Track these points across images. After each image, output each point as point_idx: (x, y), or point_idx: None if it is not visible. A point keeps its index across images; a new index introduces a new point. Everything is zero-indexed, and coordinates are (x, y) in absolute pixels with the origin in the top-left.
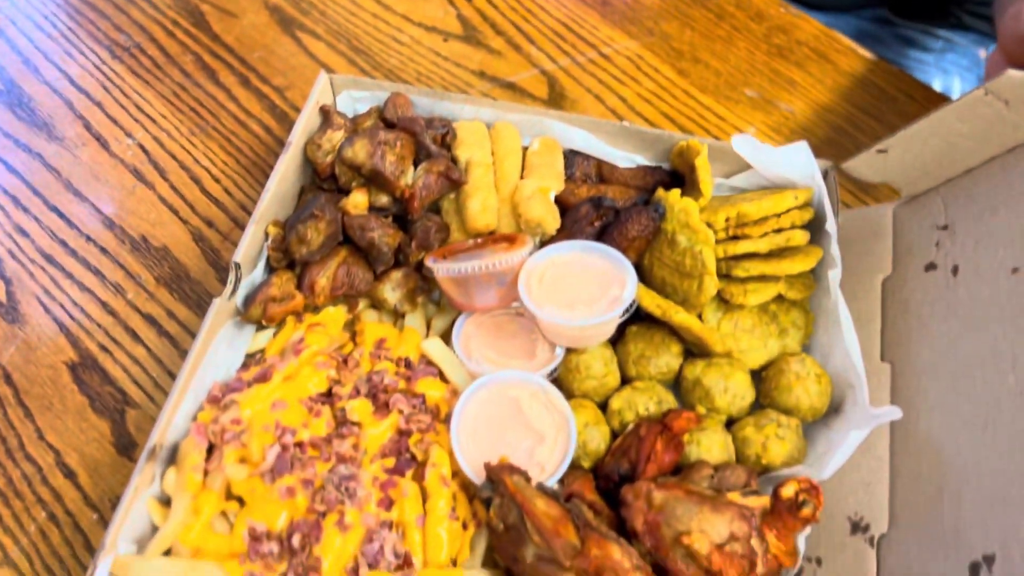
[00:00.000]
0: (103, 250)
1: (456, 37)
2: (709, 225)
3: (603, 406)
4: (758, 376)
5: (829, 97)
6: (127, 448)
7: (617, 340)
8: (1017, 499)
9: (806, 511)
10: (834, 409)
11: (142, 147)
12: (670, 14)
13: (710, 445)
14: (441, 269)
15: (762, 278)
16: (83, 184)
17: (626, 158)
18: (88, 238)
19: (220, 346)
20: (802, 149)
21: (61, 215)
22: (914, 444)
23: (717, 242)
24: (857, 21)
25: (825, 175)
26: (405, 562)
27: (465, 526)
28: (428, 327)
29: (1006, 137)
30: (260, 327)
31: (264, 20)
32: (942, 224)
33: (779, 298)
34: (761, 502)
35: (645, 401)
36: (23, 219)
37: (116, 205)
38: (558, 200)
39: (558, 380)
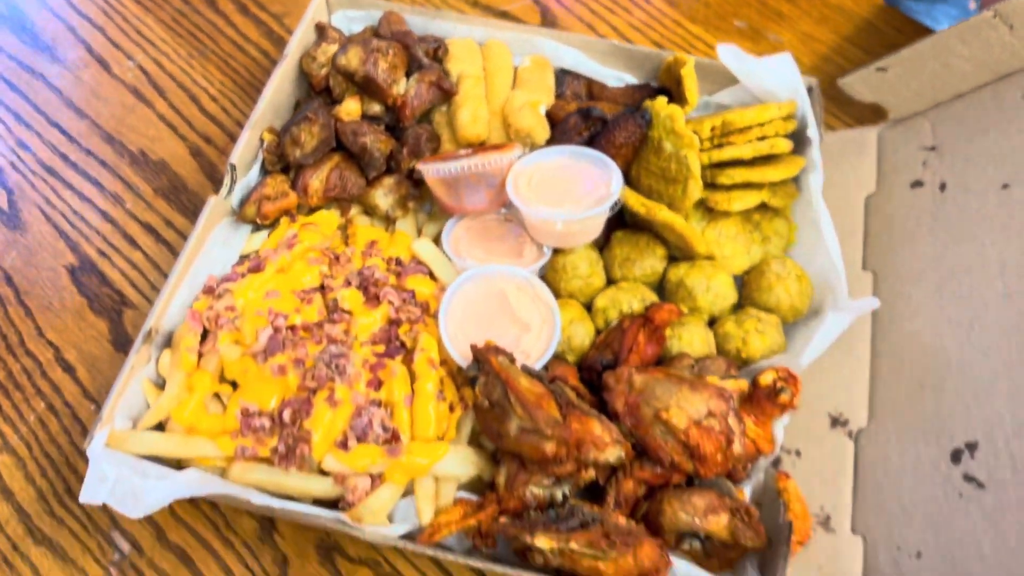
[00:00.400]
0: (102, 163)
1: None
2: (695, 135)
3: (588, 307)
4: (741, 283)
5: (817, 29)
6: (124, 345)
7: (604, 246)
8: (1003, 391)
9: (784, 397)
10: (814, 312)
11: (142, 69)
12: None
13: (691, 339)
14: (431, 170)
15: (746, 185)
16: (84, 103)
17: (616, 77)
18: (88, 152)
19: (215, 246)
20: (785, 61)
21: (62, 131)
22: (896, 344)
23: (702, 150)
24: None
25: (809, 91)
26: (393, 437)
27: (452, 409)
28: (419, 234)
29: (1003, 64)
30: (255, 229)
31: None
32: (929, 145)
33: (762, 208)
34: (739, 385)
35: (629, 299)
36: (25, 134)
37: (116, 122)
38: (548, 116)
39: (545, 280)
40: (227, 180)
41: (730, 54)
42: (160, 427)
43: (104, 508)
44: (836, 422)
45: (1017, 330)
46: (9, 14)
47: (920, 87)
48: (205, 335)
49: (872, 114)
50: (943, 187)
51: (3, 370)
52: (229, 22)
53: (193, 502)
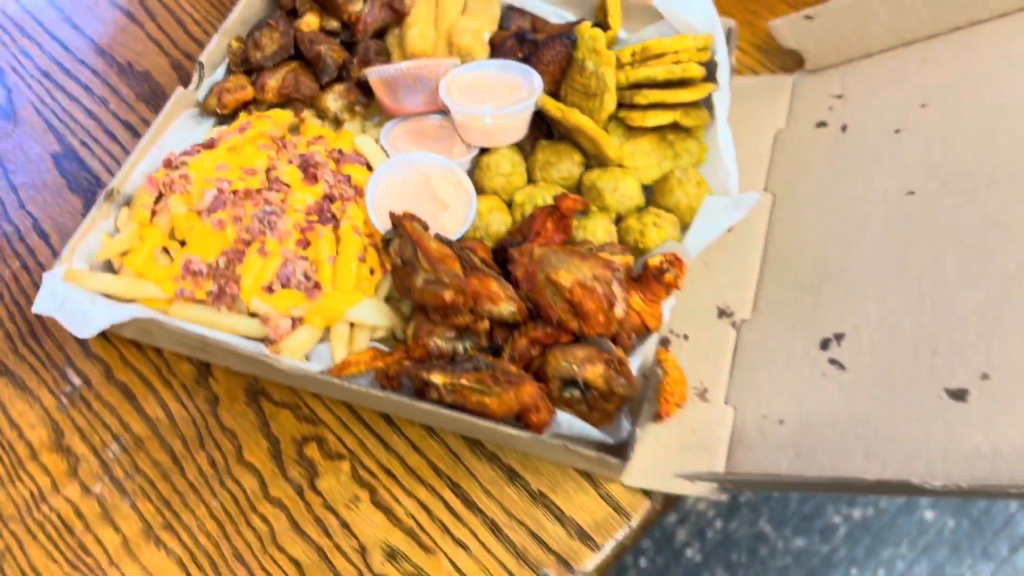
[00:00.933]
0: (93, 71)
1: None
2: (619, 62)
3: (510, 205)
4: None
5: None
6: None
7: (528, 154)
8: (871, 294)
9: (668, 276)
10: None
11: None
12: None
13: (595, 229)
14: (374, 72)
15: (660, 105)
16: (81, 21)
17: (557, 15)
18: (81, 61)
19: (179, 131)
20: None
21: (60, 43)
22: (784, 252)
23: (620, 70)
24: None
25: (729, 33)
26: (315, 286)
27: (372, 272)
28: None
29: (910, 31)
30: (217, 123)
31: None
32: (837, 93)
33: (676, 128)
34: (625, 259)
35: (544, 195)
36: (26, 43)
37: (109, 38)
38: (490, 43)
39: (470, 178)
40: (195, 76)
41: None
42: (113, 273)
43: (60, 348)
44: (723, 313)
45: (891, 247)
46: None
47: (837, 41)
48: (160, 199)
49: (793, 63)
50: (844, 128)
51: None
52: None
53: (139, 348)
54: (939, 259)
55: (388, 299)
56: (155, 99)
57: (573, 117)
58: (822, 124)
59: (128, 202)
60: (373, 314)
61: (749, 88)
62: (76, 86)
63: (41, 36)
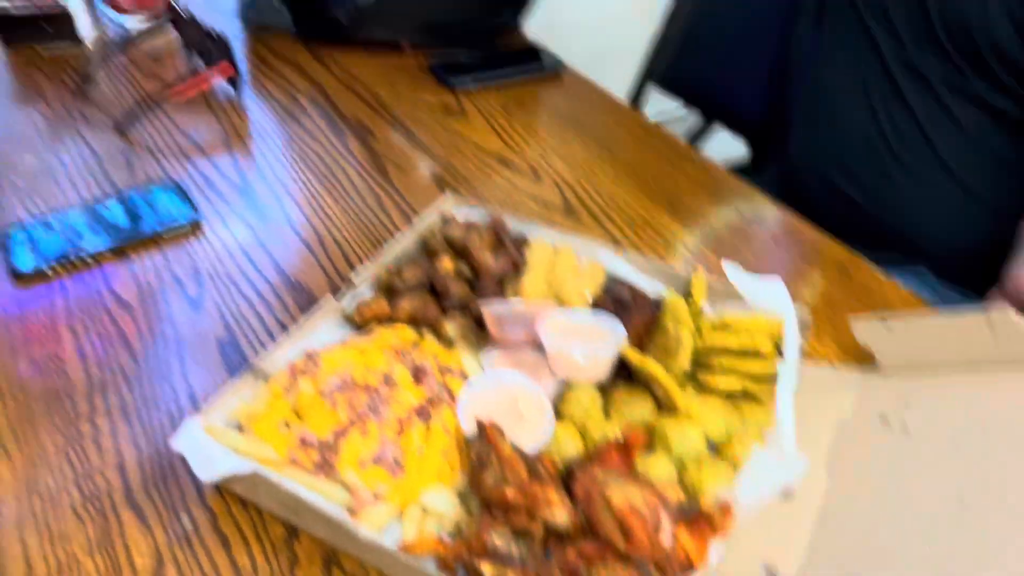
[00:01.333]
0: (269, 283)
1: (557, 209)
2: (698, 328)
3: (584, 435)
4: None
5: (841, 296)
6: None
7: (607, 393)
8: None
9: (716, 519)
10: None
11: (316, 232)
12: (728, 227)
13: (657, 466)
14: (487, 306)
15: (732, 372)
16: (272, 247)
17: (652, 287)
18: (261, 274)
19: (321, 333)
20: (777, 282)
21: (250, 259)
22: (836, 529)
23: (699, 336)
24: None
25: (802, 322)
26: (401, 470)
27: (452, 469)
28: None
29: (976, 356)
30: (354, 330)
31: (427, 181)
32: (903, 397)
33: (747, 396)
34: (677, 495)
35: (616, 430)
36: (225, 256)
37: (287, 261)
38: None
39: (553, 405)
40: (344, 290)
41: (733, 269)
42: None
43: (181, 495)
44: (769, 573)
45: (936, 544)
46: (241, 184)
47: (909, 351)
48: (293, 383)
49: (867, 359)
50: (905, 431)
51: (150, 392)
52: (388, 216)
53: (244, 505)
54: (980, 565)
55: (461, 496)
56: (309, 308)
57: (650, 366)
58: (885, 422)
59: (266, 379)
60: (444, 503)
61: (822, 376)
62: (253, 293)
63: (237, 254)
